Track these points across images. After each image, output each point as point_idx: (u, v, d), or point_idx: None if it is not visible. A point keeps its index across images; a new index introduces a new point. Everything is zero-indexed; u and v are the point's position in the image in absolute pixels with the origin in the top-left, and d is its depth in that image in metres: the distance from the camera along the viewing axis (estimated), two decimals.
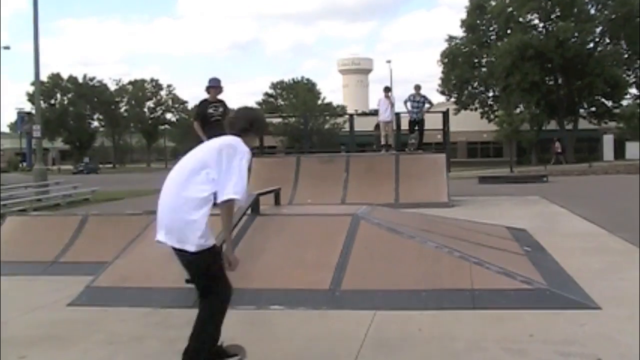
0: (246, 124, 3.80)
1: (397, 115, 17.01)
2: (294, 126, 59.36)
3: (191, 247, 3.50)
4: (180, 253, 3.58)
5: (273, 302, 5.56)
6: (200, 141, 8.73)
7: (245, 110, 3.96)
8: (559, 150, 45.81)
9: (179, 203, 3.51)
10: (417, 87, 16.57)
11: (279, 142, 59.36)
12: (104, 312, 5.62)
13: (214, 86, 8.77)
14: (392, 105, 16.46)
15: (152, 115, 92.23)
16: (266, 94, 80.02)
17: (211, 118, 8.64)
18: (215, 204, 3.56)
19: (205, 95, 8.89)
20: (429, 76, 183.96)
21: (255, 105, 63.96)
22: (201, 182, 3.49)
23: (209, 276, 3.63)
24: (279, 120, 59.20)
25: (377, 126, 17.17)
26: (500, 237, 7.93)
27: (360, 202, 9.01)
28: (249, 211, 7.02)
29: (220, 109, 8.76)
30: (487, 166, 50.19)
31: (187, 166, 3.61)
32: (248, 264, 6.08)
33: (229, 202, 3.49)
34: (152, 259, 6.52)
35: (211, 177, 3.49)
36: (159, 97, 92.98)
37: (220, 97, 8.92)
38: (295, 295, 5.59)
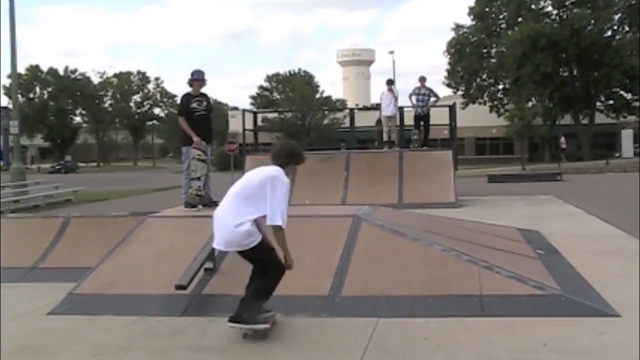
0: (287, 156, 4.95)
1: (401, 109, 17.04)
2: (291, 122, 59.32)
3: (242, 248, 4.78)
4: (238, 253, 4.90)
5: (268, 309, 5.48)
6: (187, 137, 8.76)
7: (287, 144, 5.20)
8: (564, 146, 45.68)
9: (229, 220, 4.76)
10: (422, 79, 16.57)
11: (274, 138, 59.16)
12: (88, 321, 5.61)
13: (198, 79, 8.75)
14: (396, 99, 16.52)
15: (138, 110, 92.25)
16: (261, 87, 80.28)
17: (195, 113, 8.62)
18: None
19: (188, 89, 8.85)
20: (434, 68, 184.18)
21: (248, 100, 64.34)
22: (247, 205, 4.74)
23: (262, 264, 4.86)
24: (275, 115, 59.17)
25: (380, 121, 17.20)
26: (511, 240, 7.94)
27: (361, 203, 9.03)
28: None
29: (204, 103, 8.75)
30: (497, 164, 50.27)
31: (236, 189, 4.87)
32: (241, 268, 6.08)
33: (280, 229, 4.69)
34: (139, 263, 6.53)
35: (256, 200, 4.71)
36: (146, 90, 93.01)
37: (203, 90, 8.89)
38: (293, 302, 5.60)
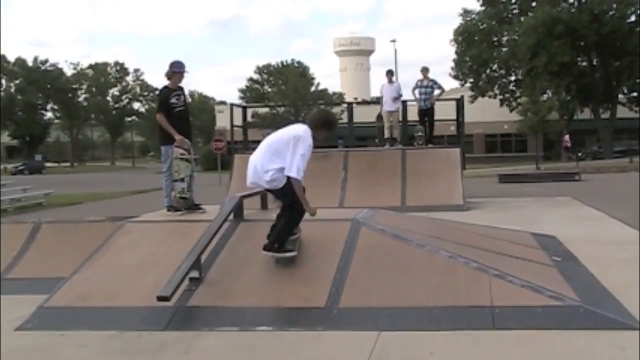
0: (322, 124, 6.23)
1: (404, 103, 17.06)
2: (283, 117, 59.17)
3: (267, 187, 6.18)
4: (266, 190, 6.39)
5: (259, 322, 5.58)
6: (167, 136, 8.75)
7: (324, 111, 7.12)
8: (569, 145, 45.52)
9: (258, 166, 6.10)
10: (425, 70, 16.59)
11: (265, 135, 59.09)
12: (60, 336, 5.60)
13: (180, 71, 8.75)
14: (398, 92, 16.50)
15: (116, 105, 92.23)
16: (250, 79, 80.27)
17: (175, 108, 8.63)
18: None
19: (166, 82, 8.84)
20: (440, 58, 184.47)
21: (237, 93, 64.39)
22: (274, 156, 6.06)
23: (288, 203, 6.22)
24: (266, 110, 58.98)
25: (380, 117, 17.24)
26: (524, 245, 7.99)
27: (360, 205, 9.07)
28: (230, 216, 7.02)
29: (182, 98, 8.76)
30: (509, 162, 50.37)
31: (268, 141, 6.19)
32: (230, 277, 6.11)
33: (297, 181, 5.98)
34: (117, 273, 6.53)
35: (281, 154, 6.01)
36: (124, 83, 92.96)
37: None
38: (286, 314, 5.62)
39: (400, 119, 17.00)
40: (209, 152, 51.77)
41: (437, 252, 6.27)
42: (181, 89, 8.91)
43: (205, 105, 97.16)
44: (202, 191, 9.11)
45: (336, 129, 6.46)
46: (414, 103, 16.99)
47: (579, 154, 44.09)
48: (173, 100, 8.75)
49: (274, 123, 58.53)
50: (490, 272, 5.87)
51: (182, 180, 8.65)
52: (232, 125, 17.33)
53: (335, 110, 58.54)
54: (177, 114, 8.75)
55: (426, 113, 16.54)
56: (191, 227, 7.26)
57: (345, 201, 13.79)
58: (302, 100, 53.75)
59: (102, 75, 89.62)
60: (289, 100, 55.93)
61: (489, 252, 6.93)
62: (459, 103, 17.19)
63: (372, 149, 17.26)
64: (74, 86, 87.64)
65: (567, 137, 45.99)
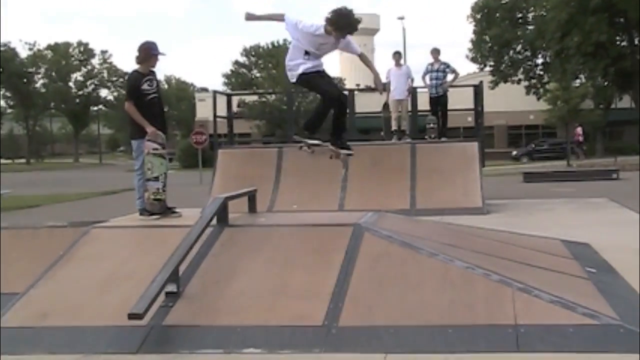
0: (344, 25, 8.09)
1: (414, 90, 17.05)
2: (275, 106, 59.32)
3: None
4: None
5: (248, 343, 5.57)
6: (139, 128, 8.74)
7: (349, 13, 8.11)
8: (581, 139, 45.29)
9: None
10: (435, 52, 16.63)
11: (254, 127, 59.24)
12: None
13: (156, 53, 8.76)
14: (408, 76, 16.49)
15: (80, 92, 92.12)
16: (236, 63, 79.59)
17: (148, 96, 8.63)
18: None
19: (136, 65, 8.83)
20: (455, 38, 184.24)
21: (221, 79, 64.50)
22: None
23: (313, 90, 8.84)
24: (254, 98, 58.97)
25: (387, 106, 17.22)
26: (553, 255, 8.02)
27: (363, 208, 9.07)
28: (214, 221, 7.04)
29: (155, 84, 8.76)
30: (535, 158, 50.26)
31: None
32: (213, 292, 6.12)
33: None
34: (81, 287, 6.54)
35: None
36: (89, 67, 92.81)
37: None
38: (278, 333, 5.61)
39: (410, 108, 16.91)
40: (188, 147, 51.67)
41: (452, 262, 6.27)
42: (153, 73, 8.91)
43: (184, 92, 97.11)
44: (181, 192, 9.09)
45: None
46: (425, 90, 17.01)
47: (584, 149, 43.94)
48: (145, 86, 8.77)
49: (264, 113, 58.39)
50: (513, 285, 5.87)
51: (157, 179, 8.67)
52: (215, 116, 17.31)
53: None
54: (151, 102, 8.78)
55: (439, 101, 16.65)
56: (168, 233, 7.31)
57: (346, 203, 13.82)
58: (296, 87, 52.90)
59: (64, 58, 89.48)
60: (281, 86, 55.60)
61: (513, 262, 6.95)
62: (478, 89, 17.26)
63: (376, 143, 17.22)
64: (30, 70, 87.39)
65: (579, 130, 45.59)
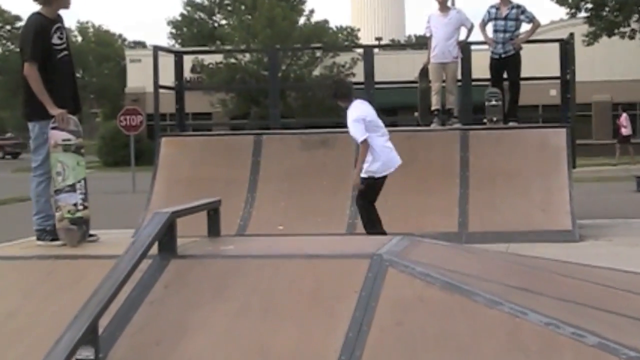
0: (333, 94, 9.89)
1: (468, 48, 14.19)
2: (251, 72, 50.16)
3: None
4: None
5: None
6: (41, 104, 6.72)
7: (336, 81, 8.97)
8: (625, 128, 36.40)
9: None
10: None
11: (217, 104, 50.16)
12: None
13: None
14: (457, 27, 13.71)
15: None
16: (190, 2, 65.62)
17: (57, 54, 7.41)
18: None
19: (37, 7, 7.73)
20: None
21: (166, 28, 59.24)
22: None
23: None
24: (218, 58, 48.81)
25: (425, 72, 14.43)
26: None
27: (387, 231, 8.32)
28: (153, 249, 5.91)
29: (65, 36, 7.91)
30: None
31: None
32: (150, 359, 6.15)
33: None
34: None
35: None
36: None
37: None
38: None
39: (460, 76, 14.32)
40: (114, 134, 43.58)
41: (524, 315, 5.30)
42: (61, 19, 7.01)
43: (108, 49, 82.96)
44: (103, 203, 7.04)
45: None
46: (485, 48, 14.42)
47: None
48: (55, 39, 7.09)
49: (233, 82, 49.65)
50: (621, 352, 4.83)
51: (72, 188, 6.69)
52: (157, 86, 14.40)
53: (342, 59, 47.04)
54: (61, 63, 7.59)
55: (507, 65, 13.84)
56: (83, 267, 6.27)
57: (360, 223, 11.66)
58: (284, 43, 43.09)
59: None
60: (260, 43, 45.91)
61: (619, 315, 5.99)
62: (567, 47, 14.28)
63: (408, 129, 14.68)
64: None
65: (623, 116, 36.95)
